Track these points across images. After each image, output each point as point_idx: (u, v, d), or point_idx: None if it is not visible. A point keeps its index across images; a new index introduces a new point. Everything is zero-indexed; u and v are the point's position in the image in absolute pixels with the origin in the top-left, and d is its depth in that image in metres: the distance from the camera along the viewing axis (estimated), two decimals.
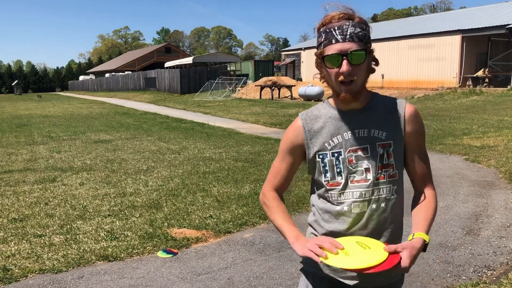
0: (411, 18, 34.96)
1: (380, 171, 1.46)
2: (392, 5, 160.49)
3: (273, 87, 25.87)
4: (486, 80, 21.36)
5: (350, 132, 1.48)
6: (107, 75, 54.07)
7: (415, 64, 23.66)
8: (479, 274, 3.48)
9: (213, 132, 12.40)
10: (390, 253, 1.30)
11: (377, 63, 1.48)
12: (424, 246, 1.37)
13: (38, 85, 67.14)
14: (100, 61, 78.15)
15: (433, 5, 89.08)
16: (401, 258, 1.30)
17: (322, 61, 1.42)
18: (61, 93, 57.42)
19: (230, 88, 30.50)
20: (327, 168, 1.50)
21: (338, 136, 1.48)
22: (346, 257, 1.29)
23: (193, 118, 17.17)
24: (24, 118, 18.64)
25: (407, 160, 1.53)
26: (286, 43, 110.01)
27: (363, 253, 1.31)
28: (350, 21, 1.38)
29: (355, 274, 1.45)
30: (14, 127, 14.83)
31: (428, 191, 1.54)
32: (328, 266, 1.47)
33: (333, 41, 1.36)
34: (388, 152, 1.47)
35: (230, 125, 14.41)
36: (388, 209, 1.49)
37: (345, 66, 1.36)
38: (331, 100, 1.55)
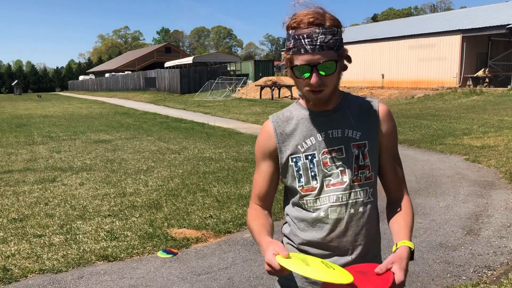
0: (411, 18, 34.95)
1: (356, 173, 1.39)
2: (392, 5, 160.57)
3: (273, 87, 25.87)
4: (486, 80, 21.35)
5: (323, 133, 1.40)
6: (107, 75, 54.07)
7: (415, 64, 23.64)
8: (479, 274, 3.48)
9: (213, 132, 12.40)
10: (382, 273, 1.22)
11: (349, 60, 1.38)
12: (411, 254, 1.30)
13: (38, 85, 67.14)
14: (100, 61, 78.13)
15: (433, 5, 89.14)
16: (393, 273, 1.22)
17: (290, 69, 1.34)
18: (61, 93, 57.44)
19: (230, 88, 30.49)
20: (301, 172, 1.41)
21: (311, 138, 1.41)
22: (327, 270, 1.20)
23: (193, 118, 17.17)
24: (24, 118, 18.64)
25: (381, 162, 1.45)
26: (286, 43, 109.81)
27: (336, 271, 1.22)
28: (320, 28, 1.27)
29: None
30: (14, 127, 14.83)
31: (403, 197, 1.47)
32: (307, 279, 1.40)
33: (302, 50, 1.27)
34: (364, 152, 1.40)
35: (230, 125, 14.41)
36: (366, 213, 1.41)
37: (314, 78, 1.29)
38: (301, 101, 1.47)
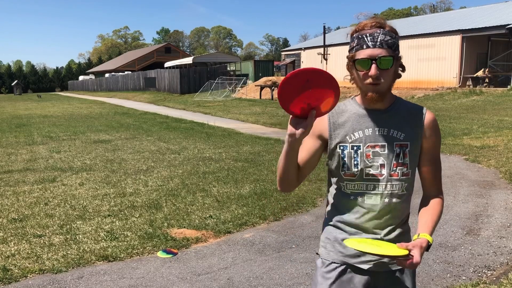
0: (411, 18, 34.93)
1: (394, 168, 1.57)
2: (392, 5, 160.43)
3: (273, 87, 25.87)
4: (486, 80, 21.35)
5: (371, 129, 1.59)
6: (107, 75, 54.05)
7: (415, 64, 23.63)
8: (479, 274, 3.48)
9: (213, 132, 12.40)
10: (403, 256, 1.43)
11: (403, 69, 1.59)
12: (428, 247, 1.49)
13: (37, 85, 67.11)
14: (100, 61, 78.12)
15: (433, 5, 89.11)
16: (412, 255, 1.43)
17: (353, 64, 1.54)
18: (61, 93, 57.42)
19: (230, 88, 30.48)
20: (345, 159, 1.60)
21: (359, 131, 1.59)
22: (372, 246, 1.44)
23: (193, 118, 17.17)
24: (23, 118, 18.64)
25: (421, 162, 1.63)
26: (286, 43, 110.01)
27: (386, 246, 1.48)
28: (381, 29, 1.50)
29: (369, 259, 1.60)
30: (14, 127, 14.83)
31: (436, 195, 1.66)
32: (348, 251, 1.62)
33: (364, 46, 1.49)
34: (405, 152, 1.58)
35: (230, 125, 14.41)
36: (399, 204, 1.59)
37: (373, 70, 1.48)
38: (357, 98, 1.65)
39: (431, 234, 1.53)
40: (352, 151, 1.59)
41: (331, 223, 1.70)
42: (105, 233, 4.48)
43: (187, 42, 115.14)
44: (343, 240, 1.62)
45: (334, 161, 1.63)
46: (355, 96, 1.67)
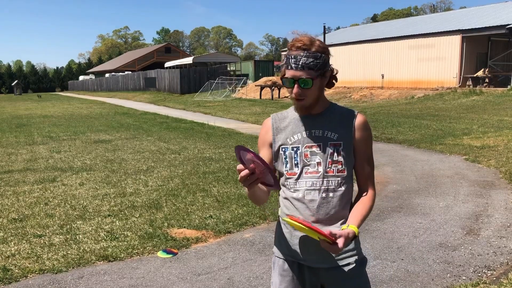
0: (411, 18, 34.92)
1: (330, 166, 1.74)
2: (392, 5, 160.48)
3: (273, 87, 25.87)
4: (486, 80, 21.34)
5: (308, 131, 1.77)
6: (107, 75, 54.04)
7: (415, 64, 23.62)
8: (479, 274, 3.48)
9: (213, 132, 12.40)
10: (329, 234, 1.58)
11: (336, 80, 1.78)
12: (353, 237, 1.65)
13: (38, 85, 67.10)
14: (100, 61, 78.10)
15: (433, 5, 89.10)
16: (337, 242, 1.58)
17: (281, 80, 1.74)
18: (61, 93, 57.42)
19: (230, 88, 30.48)
20: (287, 159, 1.78)
21: (298, 134, 1.78)
22: (305, 229, 1.60)
23: (193, 118, 17.18)
24: (24, 118, 18.64)
25: (354, 161, 1.79)
26: (286, 43, 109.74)
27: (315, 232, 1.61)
28: (305, 52, 1.65)
29: (313, 258, 1.76)
30: (14, 127, 14.83)
31: (368, 190, 1.82)
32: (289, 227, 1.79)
33: (289, 67, 1.67)
34: (338, 150, 1.74)
35: (230, 125, 14.42)
36: (336, 199, 1.74)
37: (295, 89, 1.67)
38: None
39: (358, 226, 1.68)
40: (293, 151, 1.77)
41: (279, 220, 1.87)
42: (105, 233, 4.48)
43: (187, 42, 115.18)
44: (289, 236, 1.79)
45: (278, 162, 1.82)
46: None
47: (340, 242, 1.58)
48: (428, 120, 12.86)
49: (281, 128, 1.82)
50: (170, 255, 3.96)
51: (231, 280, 3.48)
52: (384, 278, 3.46)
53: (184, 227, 4.65)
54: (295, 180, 1.76)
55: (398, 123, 12.39)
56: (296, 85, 1.66)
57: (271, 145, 1.83)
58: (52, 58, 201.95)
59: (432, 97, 19.59)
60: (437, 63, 22.71)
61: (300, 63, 1.64)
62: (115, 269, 3.71)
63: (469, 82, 21.84)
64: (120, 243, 4.20)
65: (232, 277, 3.54)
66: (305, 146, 1.76)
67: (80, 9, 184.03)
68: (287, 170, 1.78)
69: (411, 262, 3.73)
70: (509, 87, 19.29)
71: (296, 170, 1.76)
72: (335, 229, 1.65)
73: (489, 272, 3.52)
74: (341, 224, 1.76)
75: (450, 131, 10.71)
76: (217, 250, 4.10)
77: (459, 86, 21.36)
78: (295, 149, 1.77)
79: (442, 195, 5.66)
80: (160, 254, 3.99)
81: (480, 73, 21.47)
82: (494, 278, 3.40)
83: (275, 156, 1.82)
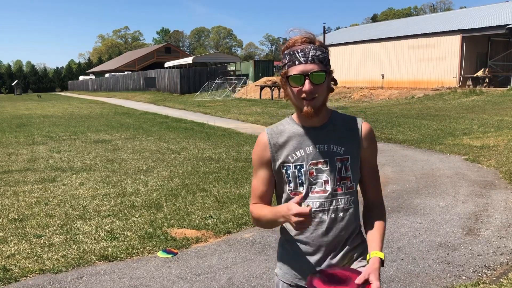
0: (411, 18, 34.92)
1: (338, 183, 1.59)
2: (392, 5, 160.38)
3: (273, 87, 25.86)
4: (486, 80, 21.33)
5: (311, 146, 1.59)
6: (107, 75, 54.04)
7: (415, 64, 23.62)
8: (479, 274, 3.48)
9: (213, 132, 12.40)
10: (360, 283, 1.45)
11: (335, 83, 1.61)
12: (381, 262, 1.52)
13: (38, 85, 67.11)
14: (100, 61, 78.10)
15: (433, 5, 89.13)
16: (371, 283, 1.44)
17: (286, 80, 1.54)
18: (61, 93, 57.42)
19: (230, 88, 30.48)
20: (290, 178, 1.60)
21: (300, 150, 1.60)
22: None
23: (193, 118, 17.17)
24: (24, 118, 18.64)
25: (362, 172, 1.66)
26: (286, 42, 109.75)
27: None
28: (312, 45, 1.51)
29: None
30: (14, 127, 14.83)
31: (379, 204, 1.69)
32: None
33: (296, 62, 1.49)
34: (346, 165, 1.59)
35: (230, 125, 14.41)
36: (346, 218, 1.60)
37: (307, 85, 1.48)
38: (294, 116, 1.65)
39: (381, 250, 1.56)
40: (296, 170, 1.59)
41: (284, 242, 1.71)
42: (105, 233, 4.48)
43: (187, 42, 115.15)
44: (296, 260, 1.65)
45: (280, 181, 1.64)
46: (291, 114, 1.67)
47: (373, 277, 1.45)
48: (428, 120, 12.86)
49: (280, 144, 1.62)
50: (170, 255, 3.96)
51: (231, 280, 3.48)
52: (384, 278, 3.46)
53: (184, 227, 4.65)
54: (301, 201, 1.58)
55: (398, 123, 12.39)
56: (307, 81, 1.48)
57: (269, 164, 1.64)
58: (52, 58, 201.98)
59: (432, 97, 19.59)
60: (437, 63, 22.71)
61: (310, 55, 1.48)
62: (115, 269, 3.71)
63: (469, 82, 21.83)
64: (120, 243, 4.20)
65: (232, 277, 3.54)
66: (309, 163, 1.58)
67: (80, 9, 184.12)
68: (290, 189, 1.61)
69: (411, 262, 3.73)
70: (509, 87, 19.29)
71: (302, 190, 1.59)
72: (357, 268, 1.55)
73: (489, 272, 3.52)
74: (355, 237, 1.65)
75: (450, 131, 10.71)
76: (217, 250, 4.10)
77: (459, 86, 21.36)
78: (298, 167, 1.59)
79: (442, 195, 5.66)
80: (160, 254, 3.99)
81: (480, 73, 21.46)
82: (494, 278, 3.40)
83: (277, 175, 1.64)
